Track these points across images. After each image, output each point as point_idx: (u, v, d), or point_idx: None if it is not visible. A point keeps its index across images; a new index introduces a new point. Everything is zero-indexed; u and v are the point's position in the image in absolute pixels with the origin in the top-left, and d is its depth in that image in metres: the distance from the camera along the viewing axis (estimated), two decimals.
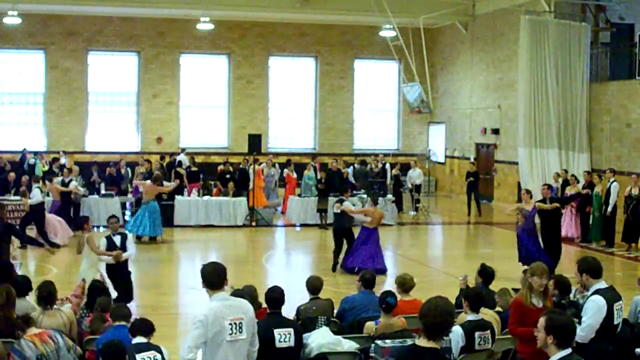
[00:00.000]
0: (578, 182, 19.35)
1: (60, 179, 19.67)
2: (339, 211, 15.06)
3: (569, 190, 19.09)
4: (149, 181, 18.63)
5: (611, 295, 6.70)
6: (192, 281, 13.82)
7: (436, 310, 4.77)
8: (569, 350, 4.96)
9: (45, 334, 6.63)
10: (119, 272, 11.12)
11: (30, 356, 6.45)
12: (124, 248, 11.04)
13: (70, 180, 19.21)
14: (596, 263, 6.88)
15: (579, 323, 6.63)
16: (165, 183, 19.15)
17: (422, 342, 4.79)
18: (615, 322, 6.70)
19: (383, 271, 14.37)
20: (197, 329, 5.47)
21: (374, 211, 14.97)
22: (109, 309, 7.89)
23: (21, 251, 16.63)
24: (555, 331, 4.94)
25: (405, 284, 8.41)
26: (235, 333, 5.54)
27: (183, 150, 25.79)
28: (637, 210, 17.27)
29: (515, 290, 8.48)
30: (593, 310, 6.54)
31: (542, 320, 5.05)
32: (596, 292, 6.66)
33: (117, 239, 11.07)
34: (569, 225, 19.03)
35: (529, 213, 14.37)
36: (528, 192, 15.05)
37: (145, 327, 6.69)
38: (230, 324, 5.52)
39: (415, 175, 24.08)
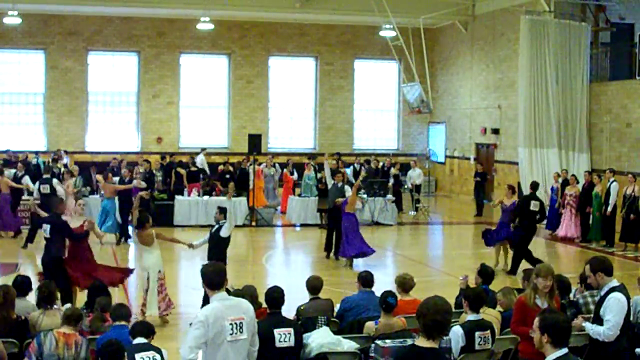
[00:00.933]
0: (578, 182, 19.34)
1: (13, 171, 19.51)
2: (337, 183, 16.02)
3: (569, 191, 19.09)
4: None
5: (626, 292, 6.76)
6: (193, 281, 13.84)
7: (433, 308, 4.79)
8: (565, 350, 4.96)
9: (74, 338, 6.67)
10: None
11: (47, 354, 6.46)
12: (214, 236, 11.62)
13: (23, 176, 19.08)
14: (608, 261, 6.90)
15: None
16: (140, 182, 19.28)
17: (421, 342, 4.80)
18: (631, 319, 6.74)
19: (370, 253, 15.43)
20: (197, 329, 5.47)
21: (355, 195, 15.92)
22: (109, 309, 7.89)
23: (24, 251, 16.64)
24: (549, 330, 4.94)
25: (405, 283, 8.42)
26: (236, 333, 5.54)
27: (203, 150, 25.94)
28: (631, 210, 17.25)
29: (518, 290, 8.48)
30: (617, 308, 6.52)
31: (536, 320, 5.06)
32: (613, 289, 6.65)
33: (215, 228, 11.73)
34: (568, 225, 19.02)
35: (507, 208, 15.17)
36: (510, 187, 15.66)
37: (145, 328, 6.72)
38: (231, 324, 5.52)
39: (415, 175, 24.08)
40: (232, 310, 5.58)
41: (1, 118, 27.84)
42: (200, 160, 24.62)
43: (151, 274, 11.04)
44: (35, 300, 7.98)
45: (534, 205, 14.92)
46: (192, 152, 26.43)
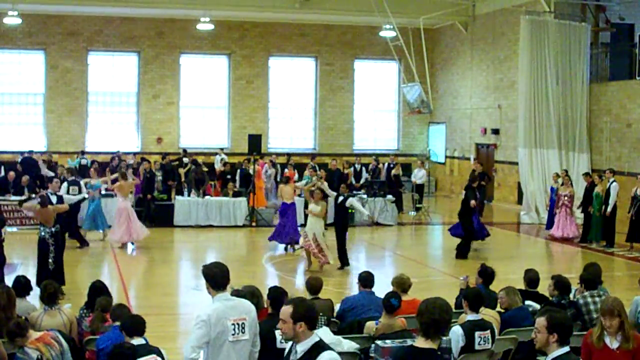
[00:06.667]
0: (571, 183, 19.29)
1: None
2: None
3: (562, 191, 19.01)
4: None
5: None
6: (192, 281, 13.86)
7: (431, 307, 4.80)
8: (567, 348, 4.98)
9: (49, 336, 6.58)
10: None
11: None
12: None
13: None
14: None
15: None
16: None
17: (419, 342, 4.80)
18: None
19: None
20: (200, 329, 5.47)
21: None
22: (109, 309, 7.88)
23: (22, 251, 16.62)
24: (557, 329, 4.95)
25: (403, 283, 8.44)
26: (238, 333, 5.55)
27: (222, 150, 26.48)
28: None
29: (520, 291, 8.44)
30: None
31: (541, 320, 5.05)
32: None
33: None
34: (564, 225, 18.94)
35: None
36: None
37: (140, 325, 6.56)
38: (233, 324, 5.54)
39: (419, 175, 24.06)
40: (234, 311, 5.59)
41: (1, 118, 27.84)
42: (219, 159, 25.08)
43: None
44: (41, 298, 7.89)
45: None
46: (192, 152, 26.40)
